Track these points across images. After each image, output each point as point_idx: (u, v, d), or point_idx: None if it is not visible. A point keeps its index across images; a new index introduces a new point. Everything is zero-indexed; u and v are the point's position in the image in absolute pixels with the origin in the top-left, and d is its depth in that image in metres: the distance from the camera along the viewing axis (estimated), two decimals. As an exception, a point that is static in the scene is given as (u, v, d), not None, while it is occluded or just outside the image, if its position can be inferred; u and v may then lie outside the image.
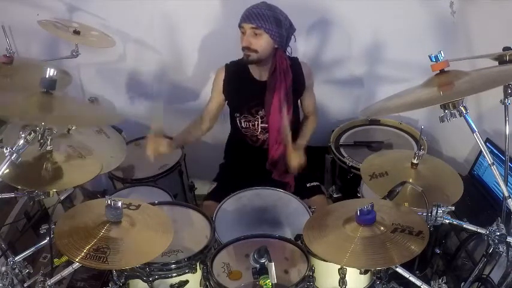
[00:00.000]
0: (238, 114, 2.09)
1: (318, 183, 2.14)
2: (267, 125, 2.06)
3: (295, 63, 2.06)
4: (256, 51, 1.90)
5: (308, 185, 2.11)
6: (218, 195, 1.97)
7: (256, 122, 2.08)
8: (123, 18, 2.34)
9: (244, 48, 1.91)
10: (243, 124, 2.10)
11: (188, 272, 1.47)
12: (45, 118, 1.32)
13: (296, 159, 1.98)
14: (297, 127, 2.15)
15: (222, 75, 2.07)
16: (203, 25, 2.35)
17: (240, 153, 2.21)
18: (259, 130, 2.09)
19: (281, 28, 1.88)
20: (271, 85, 1.98)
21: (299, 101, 2.17)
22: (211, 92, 2.14)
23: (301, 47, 2.35)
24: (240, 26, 1.90)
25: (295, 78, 2.01)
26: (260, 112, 2.05)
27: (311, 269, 1.40)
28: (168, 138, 2.08)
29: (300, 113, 2.22)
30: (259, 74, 2.02)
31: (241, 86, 2.05)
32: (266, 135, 2.09)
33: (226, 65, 2.08)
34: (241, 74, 2.04)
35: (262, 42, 1.89)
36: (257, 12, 1.84)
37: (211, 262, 1.44)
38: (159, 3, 2.28)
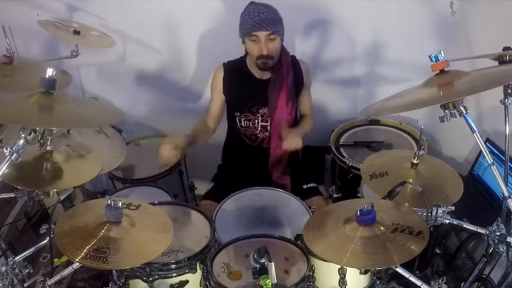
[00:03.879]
0: (238, 114, 2.08)
1: (314, 185, 2.13)
2: (267, 123, 2.06)
3: (293, 61, 2.05)
4: (272, 57, 1.89)
5: (304, 186, 2.10)
6: (216, 195, 1.96)
7: (256, 121, 2.07)
8: (123, 18, 2.34)
9: (261, 57, 1.87)
10: (243, 123, 2.09)
11: (188, 272, 1.47)
12: (46, 122, 1.31)
13: (293, 142, 1.93)
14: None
15: (221, 75, 2.06)
16: (203, 25, 2.35)
17: (238, 152, 2.20)
18: (259, 129, 2.09)
19: (283, 26, 1.89)
20: (276, 81, 1.97)
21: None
22: (211, 94, 2.13)
23: (300, 47, 2.35)
24: (250, 35, 1.84)
25: (294, 77, 2.01)
26: (260, 110, 2.05)
27: (311, 269, 1.40)
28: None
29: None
30: (260, 73, 2.01)
31: (242, 85, 2.04)
32: (265, 133, 2.09)
33: (224, 64, 2.07)
34: (241, 73, 2.03)
35: (277, 46, 1.88)
36: (268, 17, 1.81)
37: (211, 262, 1.44)
38: (159, 3, 2.28)
